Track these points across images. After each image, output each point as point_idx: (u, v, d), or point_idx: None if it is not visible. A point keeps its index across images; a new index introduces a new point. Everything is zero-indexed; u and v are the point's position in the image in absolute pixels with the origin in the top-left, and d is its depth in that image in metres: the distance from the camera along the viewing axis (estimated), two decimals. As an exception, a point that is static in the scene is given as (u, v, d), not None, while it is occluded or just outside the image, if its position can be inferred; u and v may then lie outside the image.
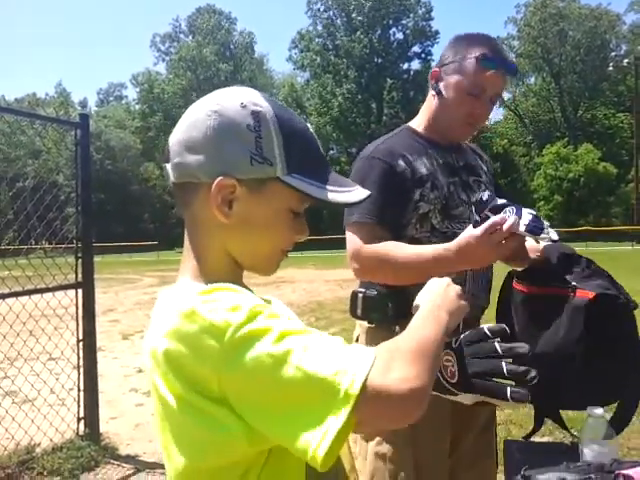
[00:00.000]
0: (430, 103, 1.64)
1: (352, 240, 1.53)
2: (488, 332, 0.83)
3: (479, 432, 1.65)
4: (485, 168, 1.74)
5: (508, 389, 0.78)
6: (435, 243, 1.49)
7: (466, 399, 0.85)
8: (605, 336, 1.29)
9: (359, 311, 1.53)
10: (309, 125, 0.84)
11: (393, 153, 1.57)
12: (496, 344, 0.81)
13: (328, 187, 0.79)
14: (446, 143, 1.64)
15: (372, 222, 1.50)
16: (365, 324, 1.59)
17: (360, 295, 1.54)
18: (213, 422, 0.68)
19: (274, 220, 0.81)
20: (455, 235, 1.48)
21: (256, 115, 0.77)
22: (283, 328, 0.67)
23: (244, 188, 0.77)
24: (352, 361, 0.65)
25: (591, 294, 1.31)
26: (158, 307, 0.80)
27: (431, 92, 1.63)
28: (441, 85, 1.59)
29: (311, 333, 0.69)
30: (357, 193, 0.82)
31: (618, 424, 1.28)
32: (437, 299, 0.85)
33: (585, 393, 1.25)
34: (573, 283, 1.36)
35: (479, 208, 1.32)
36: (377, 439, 1.54)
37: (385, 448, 1.53)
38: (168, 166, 0.81)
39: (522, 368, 0.78)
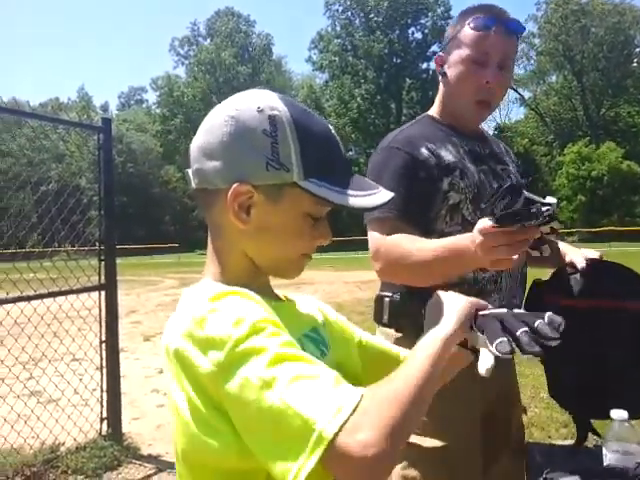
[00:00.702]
0: (441, 91, 1.54)
1: (373, 238, 1.38)
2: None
3: (512, 457, 1.50)
4: (510, 158, 1.63)
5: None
6: None
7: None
8: None
9: (385, 317, 1.39)
10: (331, 127, 0.82)
11: (413, 141, 1.43)
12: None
13: (348, 191, 0.77)
14: (468, 131, 1.52)
15: (394, 216, 1.35)
16: (392, 332, 1.42)
17: (387, 299, 1.39)
18: (209, 426, 0.69)
19: (293, 226, 0.80)
20: None
21: (272, 119, 0.76)
22: (279, 351, 0.66)
23: (261, 194, 0.77)
24: (334, 404, 0.62)
25: None
26: (179, 306, 0.81)
27: (440, 79, 1.53)
28: (445, 67, 1.48)
29: (306, 361, 0.67)
30: (379, 196, 0.80)
31: None
32: (455, 325, 0.79)
33: (623, 403, 1.19)
34: (619, 294, 1.29)
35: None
36: (404, 462, 1.39)
37: (414, 472, 1.37)
38: (189, 171, 0.82)
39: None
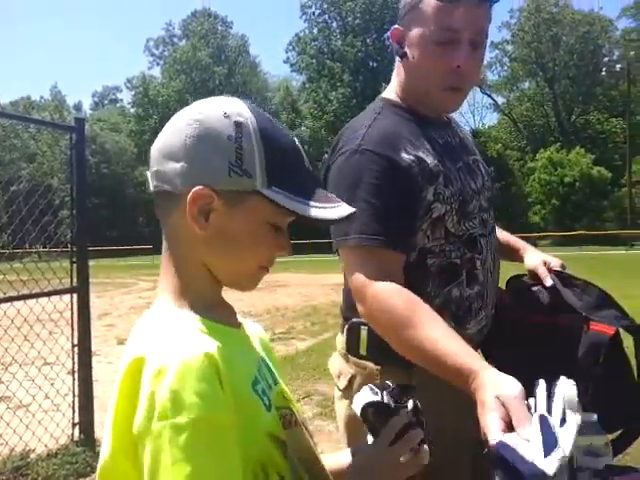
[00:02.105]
0: (398, 73, 1.32)
1: (356, 273, 1.15)
2: None
3: None
4: (472, 142, 1.45)
5: None
6: (450, 251, 1.25)
7: None
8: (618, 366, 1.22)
9: (363, 350, 1.26)
10: (296, 140, 0.82)
11: (391, 141, 1.20)
12: None
13: (310, 202, 0.76)
14: (435, 116, 1.32)
15: (378, 244, 1.14)
16: (370, 365, 1.27)
17: (364, 329, 1.26)
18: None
19: (252, 235, 0.78)
20: (470, 237, 1.27)
21: (238, 125, 0.75)
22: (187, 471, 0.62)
23: (222, 200, 0.75)
24: None
25: (610, 330, 1.20)
26: (135, 333, 0.78)
27: (397, 58, 1.31)
28: (405, 45, 1.25)
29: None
30: (340, 209, 0.79)
31: (617, 448, 1.26)
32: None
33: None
34: (584, 314, 1.23)
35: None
36: None
37: None
38: (148, 174, 0.80)
39: None
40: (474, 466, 1.27)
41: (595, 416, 1.16)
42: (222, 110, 0.76)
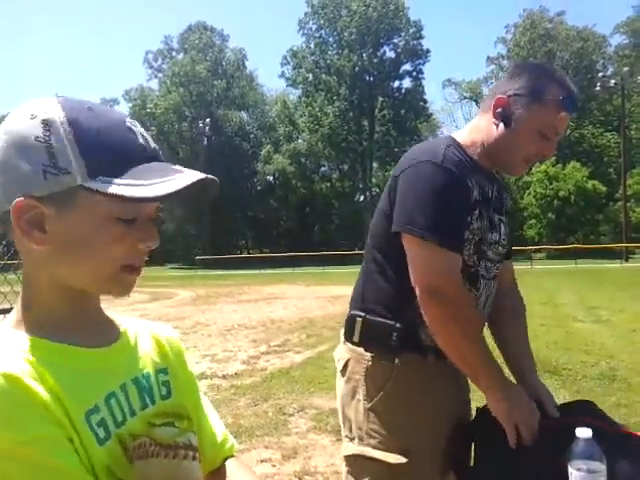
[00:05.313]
0: (487, 129, 1.47)
1: (426, 264, 1.33)
2: None
3: None
4: (508, 206, 1.63)
5: None
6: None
7: None
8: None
9: (356, 337, 1.45)
10: (126, 120, 0.75)
11: (460, 167, 1.39)
12: None
13: (141, 182, 0.70)
14: (489, 170, 1.51)
15: (451, 247, 1.33)
16: (361, 351, 1.45)
17: (359, 319, 1.46)
18: None
19: (97, 233, 0.72)
20: (475, 273, 1.43)
21: (46, 123, 0.70)
22: None
23: (51, 206, 0.71)
24: None
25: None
26: None
27: (490, 118, 1.46)
28: (511, 116, 1.43)
29: None
30: (177, 181, 0.71)
31: None
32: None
33: None
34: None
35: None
36: (367, 478, 1.41)
37: None
38: None
39: None
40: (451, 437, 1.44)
41: (590, 431, 1.15)
42: (28, 112, 0.72)
